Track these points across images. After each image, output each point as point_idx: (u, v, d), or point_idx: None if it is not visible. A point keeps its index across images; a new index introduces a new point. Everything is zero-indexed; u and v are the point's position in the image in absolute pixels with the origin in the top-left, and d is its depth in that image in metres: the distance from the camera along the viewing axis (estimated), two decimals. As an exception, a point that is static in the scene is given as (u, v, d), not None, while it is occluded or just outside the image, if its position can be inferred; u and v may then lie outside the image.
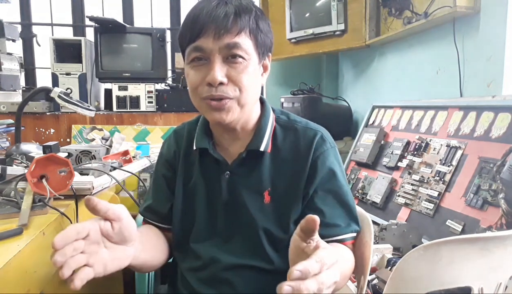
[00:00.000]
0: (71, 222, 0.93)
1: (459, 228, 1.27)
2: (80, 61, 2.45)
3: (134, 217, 0.94)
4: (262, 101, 0.91)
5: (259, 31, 0.80)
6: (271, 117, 0.90)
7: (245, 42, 0.78)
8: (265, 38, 0.82)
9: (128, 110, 2.48)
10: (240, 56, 0.77)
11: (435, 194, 1.43)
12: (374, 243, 1.02)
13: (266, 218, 0.84)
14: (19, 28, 2.59)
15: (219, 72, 0.76)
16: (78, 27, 2.98)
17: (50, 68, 2.46)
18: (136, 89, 2.49)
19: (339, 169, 0.87)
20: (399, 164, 1.68)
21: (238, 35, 0.76)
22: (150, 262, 0.85)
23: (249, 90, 0.80)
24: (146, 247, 0.81)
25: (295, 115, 0.93)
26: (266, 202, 0.85)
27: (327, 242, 0.84)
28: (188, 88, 0.83)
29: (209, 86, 0.77)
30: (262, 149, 0.85)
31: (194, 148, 0.90)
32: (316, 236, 0.59)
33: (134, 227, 0.69)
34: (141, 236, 0.77)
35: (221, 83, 0.76)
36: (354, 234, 0.87)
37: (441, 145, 1.50)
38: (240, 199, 0.86)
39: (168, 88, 2.60)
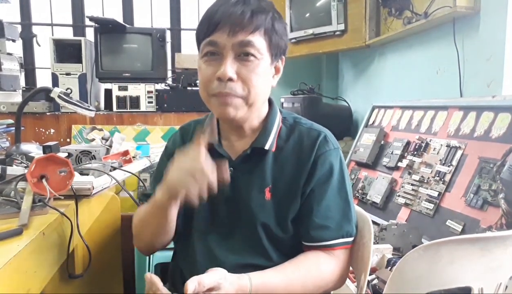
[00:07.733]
0: (71, 222, 0.93)
1: (459, 228, 1.27)
2: (80, 61, 2.45)
3: (131, 217, 0.94)
4: (270, 102, 0.92)
5: (274, 32, 0.81)
6: (278, 118, 0.91)
7: (258, 41, 0.79)
8: (280, 40, 0.83)
9: (128, 110, 2.48)
10: (252, 55, 0.78)
11: (435, 194, 1.43)
12: (374, 243, 1.02)
13: (265, 214, 0.85)
14: (19, 28, 2.58)
15: (230, 67, 0.77)
16: (78, 27, 2.98)
17: (50, 68, 2.46)
18: (136, 89, 2.49)
19: (340, 170, 0.87)
20: (399, 164, 1.68)
21: (252, 33, 0.78)
22: (168, 225, 0.87)
23: (258, 90, 0.80)
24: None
25: (301, 117, 0.94)
26: (267, 199, 0.86)
27: (316, 247, 0.84)
28: (198, 82, 0.84)
29: (219, 81, 0.78)
30: (267, 147, 0.86)
31: None
32: None
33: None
34: None
35: (231, 79, 0.78)
36: (348, 239, 0.86)
37: (441, 145, 1.50)
38: (242, 194, 0.86)
39: (168, 88, 2.59)
